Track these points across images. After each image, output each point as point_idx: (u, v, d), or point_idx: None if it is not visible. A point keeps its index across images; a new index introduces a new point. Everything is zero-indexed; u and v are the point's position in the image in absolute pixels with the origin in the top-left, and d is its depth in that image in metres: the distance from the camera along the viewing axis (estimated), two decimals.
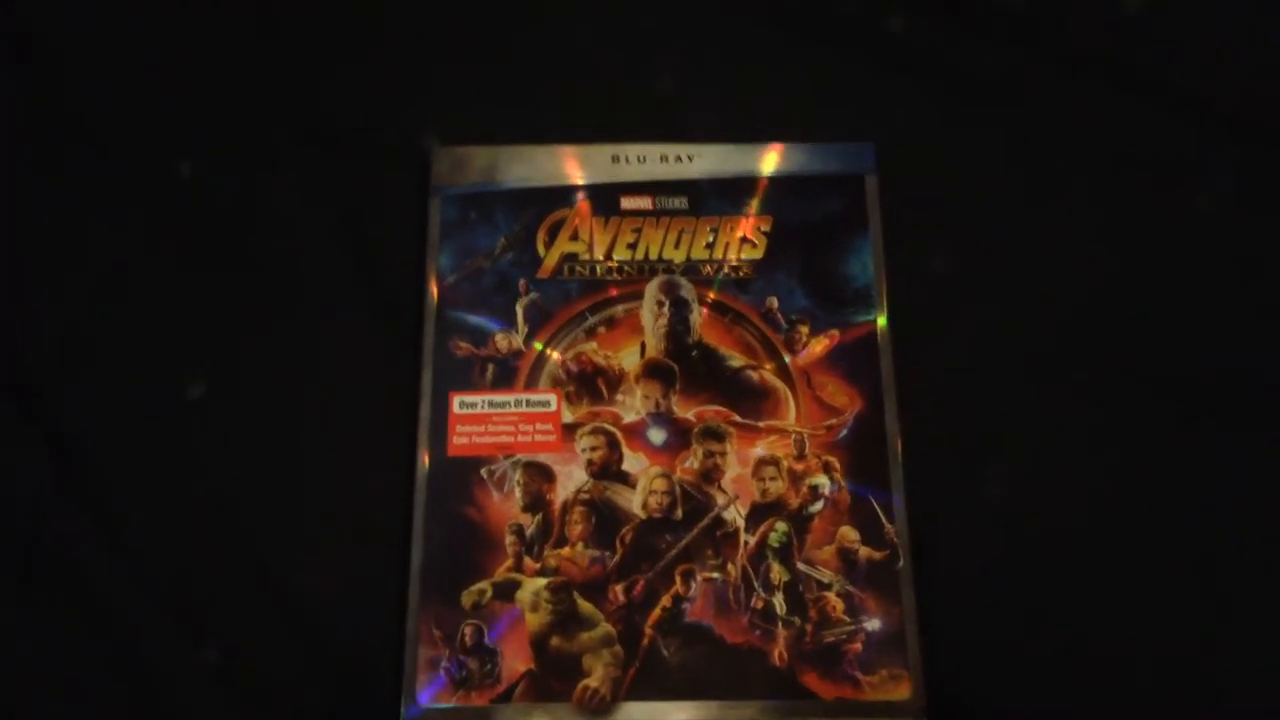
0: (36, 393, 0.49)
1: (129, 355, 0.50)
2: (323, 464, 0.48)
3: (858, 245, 0.50)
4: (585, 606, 0.45)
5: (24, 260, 0.51)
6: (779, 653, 0.44)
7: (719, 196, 0.51)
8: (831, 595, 0.45)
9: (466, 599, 0.45)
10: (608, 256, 0.50)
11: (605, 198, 0.51)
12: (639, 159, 0.52)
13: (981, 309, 0.50)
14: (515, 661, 0.44)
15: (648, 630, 0.44)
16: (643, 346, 0.49)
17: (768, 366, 0.48)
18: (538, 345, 0.49)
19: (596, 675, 0.44)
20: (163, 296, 0.51)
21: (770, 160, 0.51)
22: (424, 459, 0.47)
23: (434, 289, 0.49)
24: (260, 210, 0.52)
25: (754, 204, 0.51)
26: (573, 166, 0.51)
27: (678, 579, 0.45)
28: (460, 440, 0.47)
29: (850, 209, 0.50)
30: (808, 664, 0.44)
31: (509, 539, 0.46)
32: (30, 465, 0.48)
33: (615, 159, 0.52)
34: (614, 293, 0.49)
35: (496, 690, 0.44)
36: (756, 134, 0.52)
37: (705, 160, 0.51)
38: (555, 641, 0.44)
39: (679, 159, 0.52)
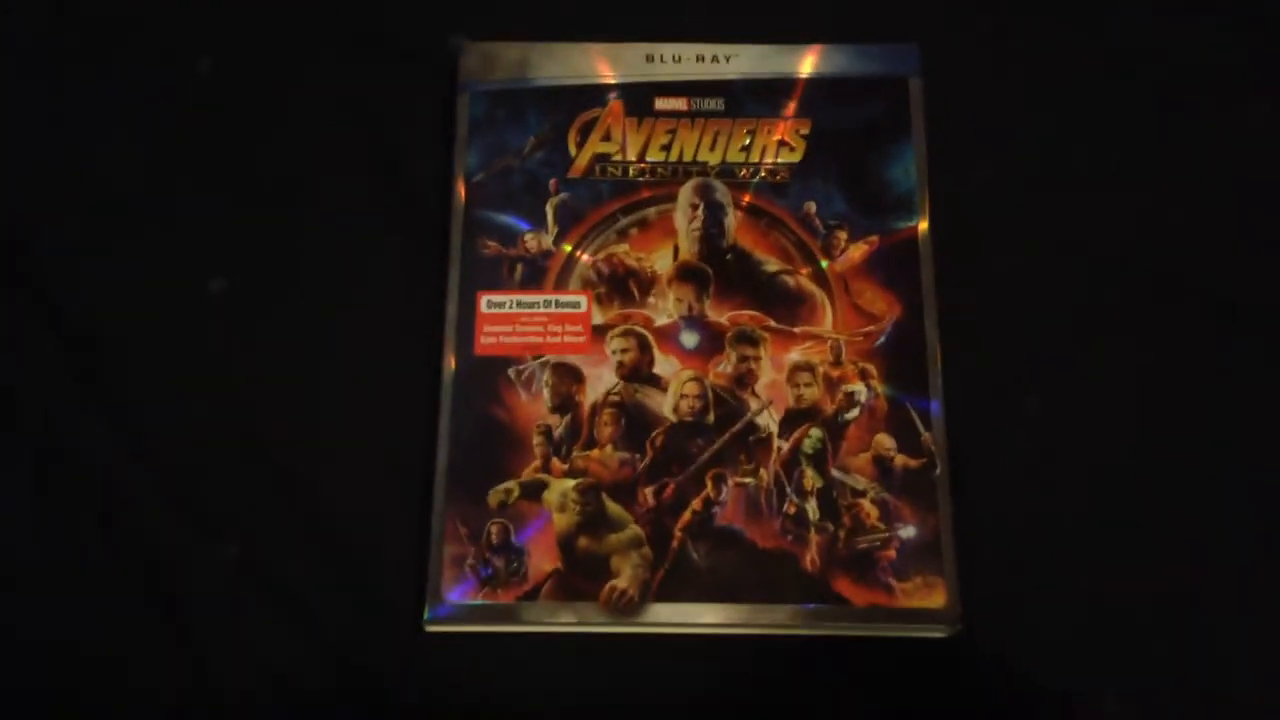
0: (55, 290, 0.48)
1: (148, 251, 0.49)
2: (347, 363, 0.47)
3: (900, 150, 0.48)
4: (614, 508, 0.44)
5: (43, 157, 0.50)
6: (811, 558, 0.43)
7: (756, 98, 0.49)
8: (866, 502, 0.44)
9: (493, 498, 0.44)
10: (641, 158, 0.49)
11: (639, 98, 0.49)
12: (674, 58, 0.50)
13: (1025, 218, 0.48)
14: (542, 561, 0.43)
15: (677, 533, 0.43)
16: (675, 249, 0.47)
17: (804, 271, 0.47)
18: (567, 247, 0.47)
19: (624, 576, 0.43)
20: (182, 193, 0.50)
21: (809, 61, 0.50)
22: (450, 358, 0.46)
23: (461, 187, 0.48)
24: (283, 106, 0.51)
25: (792, 106, 0.49)
26: (605, 65, 0.50)
27: (709, 483, 0.44)
28: (488, 340, 0.46)
29: (893, 112, 0.49)
30: (840, 570, 0.43)
31: (537, 440, 0.45)
32: (47, 363, 0.47)
33: (649, 58, 0.50)
34: (646, 194, 0.48)
35: (523, 588, 0.43)
36: (795, 34, 0.50)
37: (742, 61, 0.50)
38: (583, 542, 0.43)
39: (715, 59, 0.50)
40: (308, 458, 0.46)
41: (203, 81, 0.51)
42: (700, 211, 0.48)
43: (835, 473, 0.44)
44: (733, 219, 0.48)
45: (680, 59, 0.50)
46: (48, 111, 0.51)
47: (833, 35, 0.50)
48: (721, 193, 0.48)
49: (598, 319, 0.46)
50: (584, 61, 0.50)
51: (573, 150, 0.49)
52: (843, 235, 0.47)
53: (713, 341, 0.46)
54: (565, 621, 0.42)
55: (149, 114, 0.51)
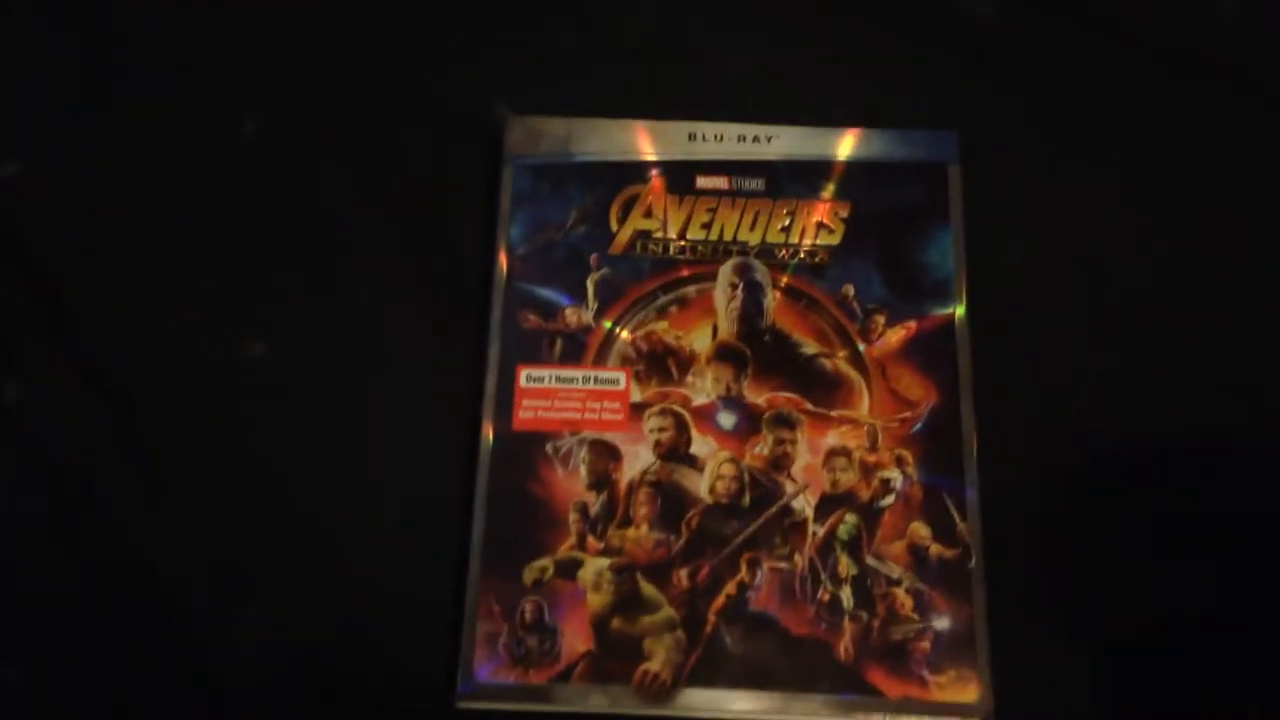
0: (95, 348, 0.49)
1: (189, 313, 0.49)
2: (384, 433, 0.47)
3: (938, 235, 0.49)
4: (648, 589, 0.44)
5: (88, 214, 0.51)
6: (845, 647, 0.43)
7: (796, 179, 0.50)
8: (900, 591, 0.44)
9: (528, 575, 0.44)
10: (681, 235, 0.49)
11: (680, 176, 0.50)
12: (715, 138, 0.50)
13: (1061, 304, 0.49)
14: (575, 641, 0.43)
15: (711, 616, 0.43)
16: (714, 328, 0.48)
17: (841, 355, 0.47)
18: (607, 323, 0.48)
19: (658, 659, 0.43)
20: (225, 255, 0.50)
21: (849, 144, 0.50)
22: (488, 432, 0.46)
23: (504, 260, 0.48)
24: (325, 172, 0.51)
25: (832, 188, 0.50)
26: (647, 142, 0.50)
27: (743, 566, 0.44)
28: (526, 414, 0.46)
29: (932, 198, 0.49)
30: (874, 660, 0.43)
31: (573, 517, 0.45)
32: (86, 420, 0.48)
33: (691, 136, 0.50)
34: (686, 272, 0.48)
35: (555, 669, 0.43)
36: (836, 118, 0.51)
37: (783, 142, 0.50)
38: (616, 623, 0.43)
39: (756, 139, 0.50)
40: (343, 527, 0.46)
41: (247, 143, 0.52)
42: (740, 291, 0.48)
43: (870, 560, 0.44)
44: (771, 300, 0.48)
45: (722, 138, 0.50)
46: (92, 169, 0.51)
47: (873, 120, 0.51)
48: (761, 273, 0.48)
49: (636, 396, 0.46)
50: (627, 138, 0.50)
51: (614, 226, 0.49)
52: (880, 319, 0.48)
53: (750, 423, 0.46)
54: (597, 705, 0.42)
55: (192, 174, 0.51)
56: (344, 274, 0.50)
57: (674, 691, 0.42)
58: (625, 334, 0.47)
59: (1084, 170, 0.51)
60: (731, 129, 0.51)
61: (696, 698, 0.42)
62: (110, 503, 0.47)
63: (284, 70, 0.53)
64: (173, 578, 0.46)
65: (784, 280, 0.48)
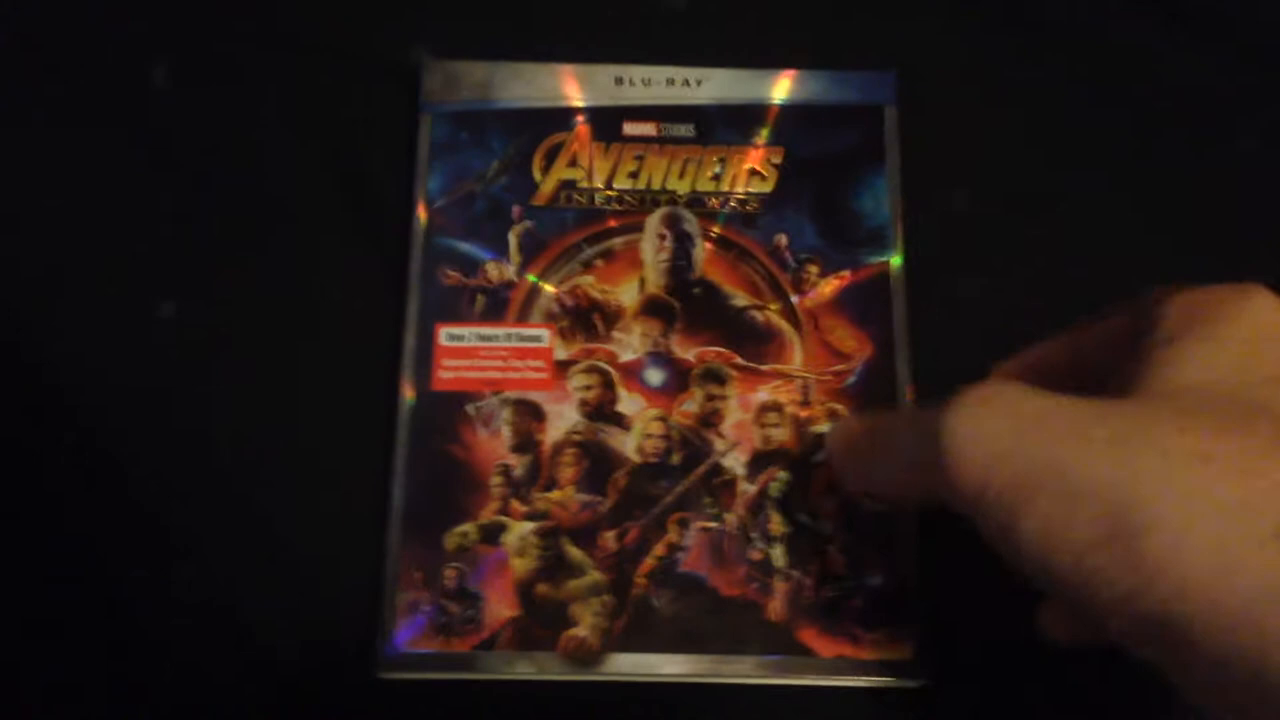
0: (6, 314, 0.47)
1: (98, 272, 0.47)
2: (300, 393, 0.45)
3: (873, 181, 0.47)
4: (574, 553, 0.43)
5: None
6: (776, 607, 0.42)
7: (727, 125, 0.48)
8: (832, 549, 0.43)
9: (449, 541, 0.42)
10: (608, 185, 0.47)
11: (607, 122, 0.48)
12: (644, 81, 0.48)
13: (1001, 252, 0.47)
14: (500, 607, 0.42)
15: (639, 579, 0.42)
16: (642, 282, 0.46)
17: (773, 307, 0.46)
18: (531, 277, 0.46)
19: (585, 624, 0.42)
20: (134, 213, 0.48)
21: (783, 87, 0.48)
22: (407, 393, 0.44)
23: (422, 213, 0.46)
24: (239, 122, 0.49)
25: (764, 133, 0.48)
26: (572, 87, 0.48)
27: (672, 527, 0.43)
28: (446, 374, 0.44)
29: (867, 142, 0.48)
30: (806, 619, 0.42)
31: (495, 480, 0.43)
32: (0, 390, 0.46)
33: (619, 81, 0.48)
34: (613, 224, 0.47)
35: (480, 636, 0.41)
36: (768, 59, 0.49)
37: (714, 85, 0.48)
38: (542, 588, 0.42)
39: (686, 83, 0.48)
40: (262, 492, 0.44)
41: (156, 92, 0.49)
42: (668, 243, 0.46)
43: (802, 518, 0.43)
44: (701, 250, 0.46)
45: (650, 82, 0.48)
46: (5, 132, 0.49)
47: (807, 61, 0.49)
48: (690, 223, 0.47)
49: (561, 354, 0.45)
50: (551, 82, 0.48)
51: (538, 176, 0.47)
52: (814, 269, 0.46)
53: (678, 379, 0.45)
54: (523, 672, 0.41)
55: (98, 125, 0.49)
56: (259, 229, 0.48)
57: (602, 656, 0.41)
58: (549, 289, 0.46)
59: (1024, 113, 0.49)
60: (660, 72, 0.49)
61: (625, 662, 0.41)
62: (31, 471, 0.45)
63: (193, 16, 0.50)
64: (92, 546, 0.44)
65: (714, 230, 0.47)
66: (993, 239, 0.47)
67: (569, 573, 0.42)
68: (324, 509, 0.44)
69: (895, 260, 0.46)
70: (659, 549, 0.43)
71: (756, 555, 0.43)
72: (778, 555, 0.43)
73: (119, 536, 0.44)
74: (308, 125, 0.49)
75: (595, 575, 0.42)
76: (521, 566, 0.42)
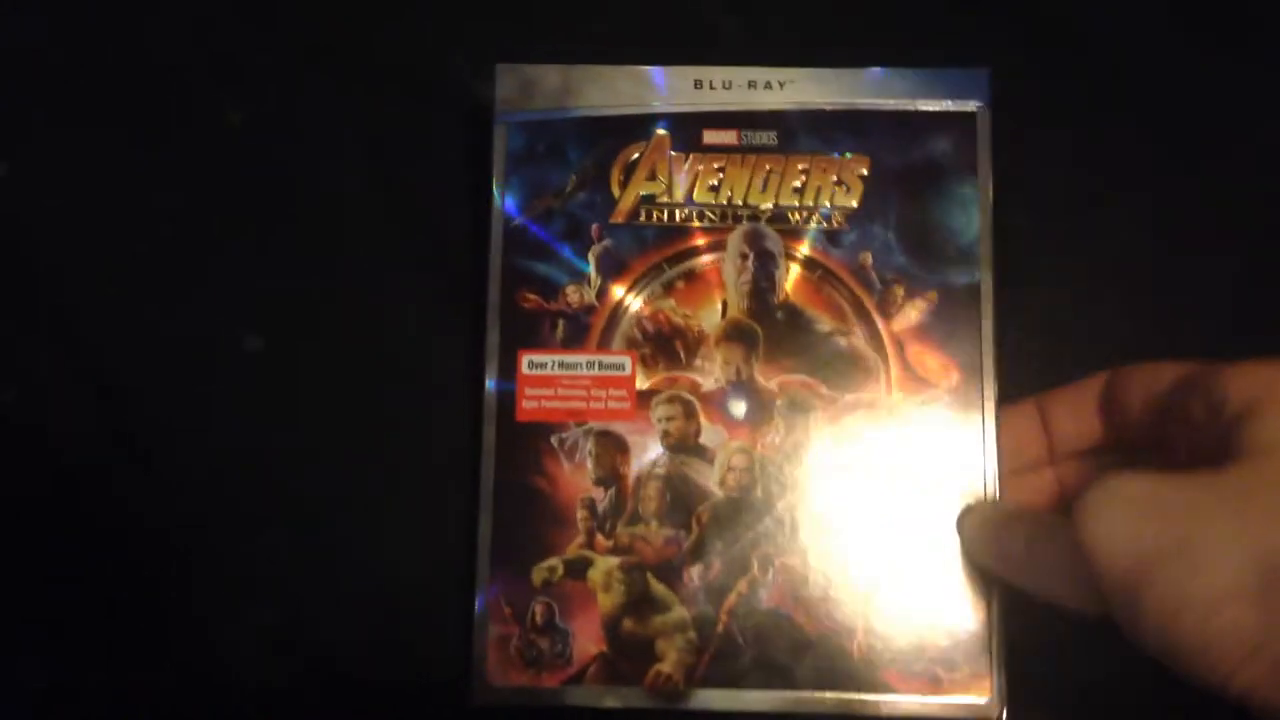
0: (94, 348, 0.47)
1: (186, 310, 0.48)
2: (385, 426, 0.46)
3: (964, 193, 0.45)
4: (659, 588, 0.43)
5: (78, 214, 0.48)
6: (859, 644, 0.43)
7: (811, 131, 0.46)
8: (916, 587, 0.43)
9: (536, 576, 0.43)
10: (688, 199, 0.46)
11: (686, 130, 0.46)
12: (724, 84, 0.46)
13: (1089, 269, 0.46)
14: (587, 643, 0.43)
15: (723, 615, 0.43)
16: (724, 305, 0.45)
17: (857, 332, 0.45)
18: (616, 289, 0.45)
19: (669, 660, 0.43)
20: (218, 249, 0.48)
21: (869, 87, 0.46)
22: (491, 424, 0.44)
23: (499, 233, 0.45)
24: (315, 158, 0.49)
25: (850, 140, 0.46)
26: (651, 91, 0.46)
27: (754, 563, 0.43)
28: (530, 404, 0.44)
29: (958, 149, 0.45)
30: (888, 657, 0.43)
31: (580, 514, 0.44)
32: (85, 421, 0.47)
33: (698, 84, 0.46)
34: (694, 242, 0.45)
35: (568, 672, 0.43)
36: (855, 59, 0.46)
37: (797, 88, 0.46)
38: (628, 624, 0.43)
39: (768, 85, 0.46)
40: (349, 525, 0.45)
41: (233, 134, 0.49)
42: (750, 263, 0.45)
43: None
44: (784, 271, 0.45)
45: (730, 85, 0.46)
46: (79, 167, 0.49)
47: (897, 59, 0.46)
48: (772, 241, 0.45)
49: (642, 383, 0.44)
50: (628, 86, 0.46)
51: (616, 190, 0.46)
52: (900, 290, 0.45)
53: (761, 410, 0.44)
54: (610, 706, 0.42)
55: (180, 167, 0.49)
56: (339, 262, 0.48)
57: (686, 692, 0.42)
58: (630, 313, 0.45)
59: (1107, 134, 0.47)
60: (741, 74, 0.46)
61: (710, 697, 0.42)
62: (114, 503, 0.46)
63: (265, 58, 0.50)
64: (178, 578, 0.45)
65: (798, 248, 0.45)
66: (1083, 259, 0.46)
67: (654, 608, 0.43)
68: (413, 543, 0.45)
69: (984, 279, 0.44)
70: (742, 585, 0.43)
71: (840, 594, 0.43)
72: (862, 594, 0.43)
73: (207, 574, 0.45)
74: (386, 158, 0.49)
75: (680, 611, 0.43)
76: (607, 602, 0.43)
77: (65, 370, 0.47)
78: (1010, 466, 0.43)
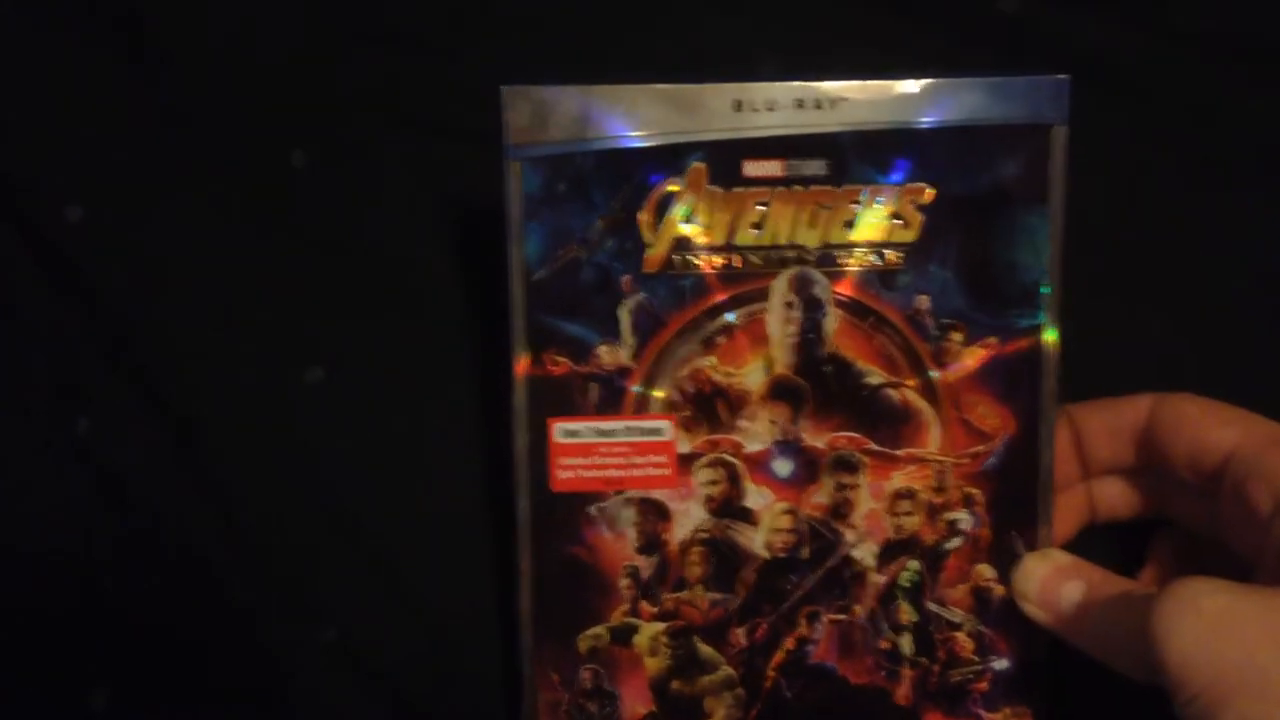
0: (163, 380, 0.48)
1: (250, 343, 0.48)
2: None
3: (1032, 224, 0.41)
4: (705, 650, 0.43)
5: (149, 253, 0.48)
6: (903, 692, 0.43)
7: (865, 157, 0.41)
8: (961, 635, 0.43)
9: (582, 644, 0.43)
10: (728, 243, 0.41)
11: (724, 161, 0.41)
12: (766, 105, 0.41)
13: (1160, 315, 0.43)
14: (635, 704, 0.43)
15: (770, 673, 0.43)
16: (768, 361, 0.42)
17: (910, 383, 0.42)
18: (651, 348, 0.42)
19: (718, 718, 0.43)
20: (281, 285, 0.48)
21: (932, 100, 0.41)
22: (525, 495, 0.42)
23: (521, 287, 0.41)
24: (376, 199, 0.49)
25: (909, 167, 0.41)
26: (683, 115, 0.41)
27: (802, 621, 0.43)
28: (565, 474, 0.42)
29: (1029, 173, 0.41)
30: (931, 703, 0.43)
31: (623, 582, 0.43)
32: (154, 451, 0.47)
33: (737, 105, 0.41)
34: (734, 292, 0.42)
35: None
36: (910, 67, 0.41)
37: (850, 106, 0.41)
38: (675, 685, 0.43)
39: (818, 104, 0.41)
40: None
41: (297, 174, 0.49)
42: (796, 312, 0.42)
43: (931, 606, 0.43)
44: (832, 319, 0.42)
45: (775, 105, 0.41)
46: (150, 209, 0.49)
47: (961, 68, 0.41)
48: (821, 287, 0.42)
49: (683, 447, 0.42)
50: (656, 110, 0.41)
51: (648, 235, 0.41)
52: (958, 337, 0.42)
53: (808, 469, 0.43)
54: None
55: (246, 206, 0.49)
56: (398, 298, 0.48)
57: None
58: (659, 394, 0.42)
59: (1152, 176, 0.43)
60: (786, 92, 0.41)
61: None
62: (181, 531, 0.47)
63: (327, 103, 0.50)
64: (245, 600, 0.47)
65: (848, 293, 0.42)
66: (1151, 303, 0.42)
67: (701, 669, 0.43)
68: (471, 551, 0.46)
69: (1049, 331, 0.41)
70: (789, 642, 0.43)
71: (885, 644, 0.43)
72: (906, 644, 0.43)
73: (271, 599, 0.47)
74: (443, 201, 0.48)
75: (727, 670, 0.43)
76: (654, 665, 0.43)
77: (135, 403, 0.48)
78: None
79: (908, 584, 0.43)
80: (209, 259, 0.49)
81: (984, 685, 0.43)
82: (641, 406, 0.42)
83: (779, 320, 0.42)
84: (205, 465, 0.47)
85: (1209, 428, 0.39)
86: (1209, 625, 0.33)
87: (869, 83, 0.41)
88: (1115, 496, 0.44)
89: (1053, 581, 0.41)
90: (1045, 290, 0.41)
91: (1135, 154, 0.46)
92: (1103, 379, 0.43)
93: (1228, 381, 0.42)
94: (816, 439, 0.42)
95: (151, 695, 0.46)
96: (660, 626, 0.43)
